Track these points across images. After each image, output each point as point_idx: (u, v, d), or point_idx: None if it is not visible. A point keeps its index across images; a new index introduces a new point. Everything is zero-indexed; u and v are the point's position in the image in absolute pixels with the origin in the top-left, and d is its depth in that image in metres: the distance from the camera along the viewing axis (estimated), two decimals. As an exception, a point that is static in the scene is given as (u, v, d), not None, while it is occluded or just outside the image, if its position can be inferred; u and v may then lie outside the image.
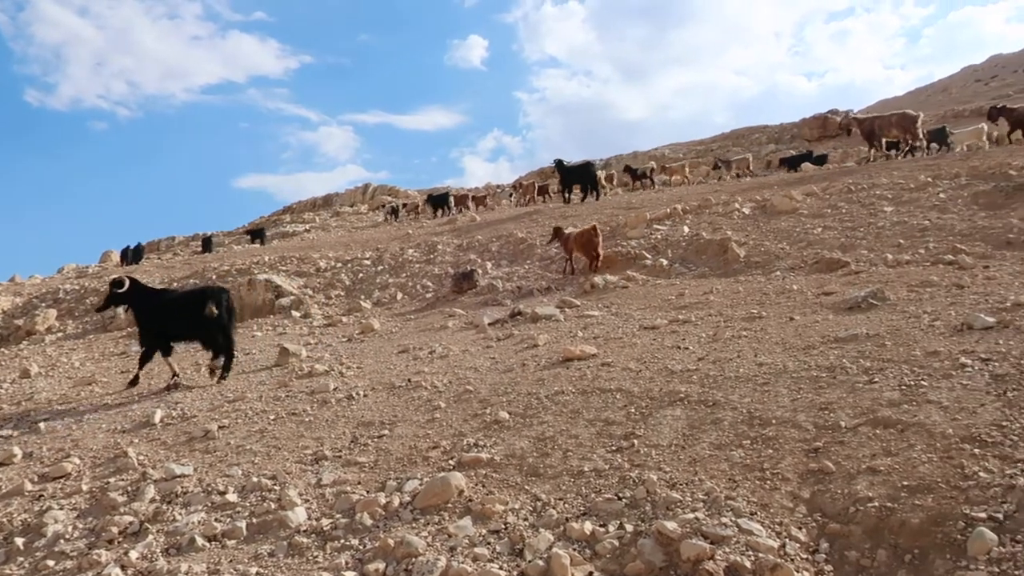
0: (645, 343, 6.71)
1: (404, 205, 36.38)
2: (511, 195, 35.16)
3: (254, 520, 4.14)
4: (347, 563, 3.55)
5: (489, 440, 4.83)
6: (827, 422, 4.15)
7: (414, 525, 3.82)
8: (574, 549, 3.35)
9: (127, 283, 8.24)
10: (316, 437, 5.46)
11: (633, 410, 4.89)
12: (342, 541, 3.78)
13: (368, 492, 4.29)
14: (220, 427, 5.97)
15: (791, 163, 27.33)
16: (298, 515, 4.09)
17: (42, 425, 6.73)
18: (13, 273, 29.69)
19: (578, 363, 6.24)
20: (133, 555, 3.85)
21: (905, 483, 3.39)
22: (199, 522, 4.19)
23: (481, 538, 3.60)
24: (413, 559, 3.43)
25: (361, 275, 15.71)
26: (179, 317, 8.10)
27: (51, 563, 3.93)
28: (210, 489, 4.65)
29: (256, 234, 33.27)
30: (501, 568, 3.29)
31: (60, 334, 15.33)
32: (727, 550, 3.13)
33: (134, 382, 8.24)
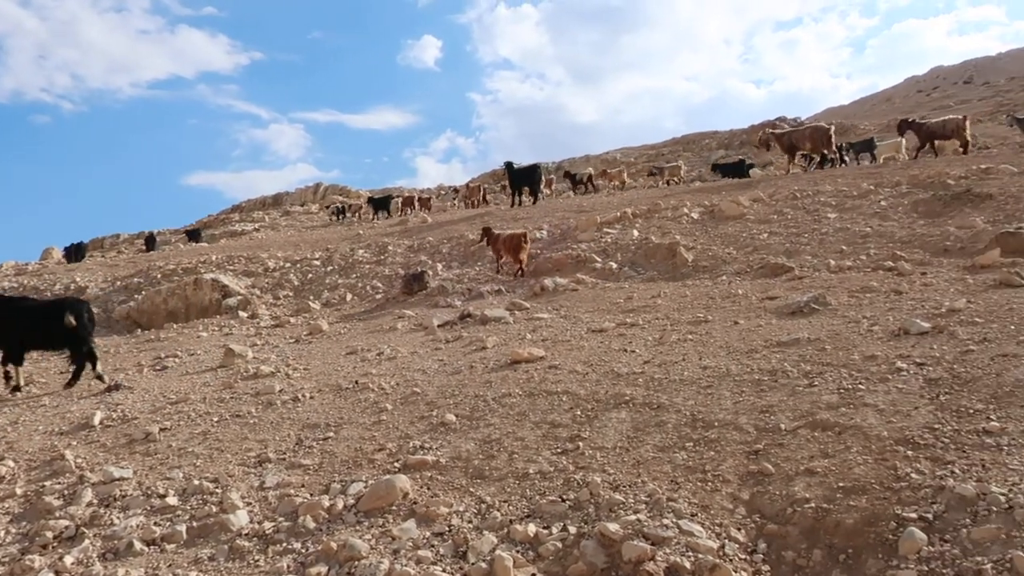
0: (593, 346, 6.77)
1: (350, 206, 36.53)
2: (454, 199, 35.64)
3: (194, 524, 4.07)
4: (289, 567, 3.51)
5: (435, 442, 4.82)
6: (768, 425, 4.25)
7: (358, 528, 3.79)
8: (517, 551, 3.37)
9: None
10: (260, 439, 5.36)
11: (579, 413, 4.93)
12: (284, 544, 3.73)
13: (312, 495, 4.25)
14: (162, 429, 5.81)
15: (724, 170, 28.27)
16: (240, 518, 4.02)
17: (-28, 427, 6.46)
18: (-54, 270, 28.55)
19: (526, 365, 6.26)
20: (68, 560, 3.75)
21: (841, 484, 3.49)
22: (138, 526, 4.09)
23: (425, 540, 3.59)
24: (356, 562, 3.41)
25: (310, 275, 15.51)
26: (38, 327, 8.21)
27: (-20, 569, 3.79)
28: (150, 492, 4.54)
29: (193, 234, 34.46)
30: (444, 570, 3.30)
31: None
32: (668, 551, 3.19)
33: (15, 389, 8.14)
